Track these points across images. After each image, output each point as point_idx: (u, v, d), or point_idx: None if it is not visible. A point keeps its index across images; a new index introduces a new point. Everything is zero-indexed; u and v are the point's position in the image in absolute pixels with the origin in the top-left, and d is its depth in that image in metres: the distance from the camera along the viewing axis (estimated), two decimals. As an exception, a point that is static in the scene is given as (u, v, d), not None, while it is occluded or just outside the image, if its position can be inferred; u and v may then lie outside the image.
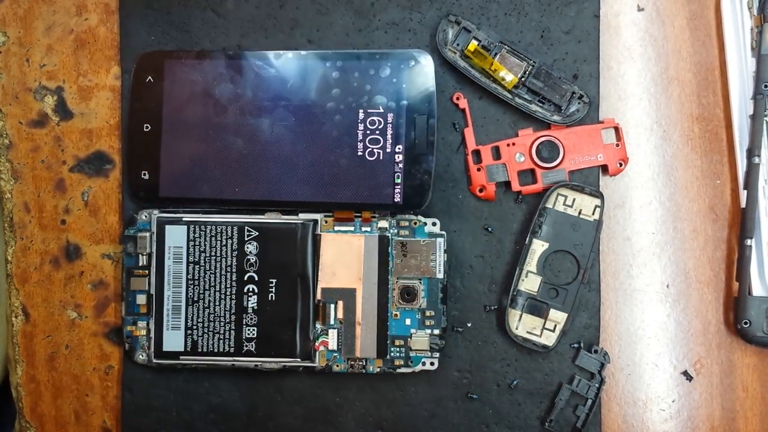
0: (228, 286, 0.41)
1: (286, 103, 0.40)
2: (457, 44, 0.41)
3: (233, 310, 0.41)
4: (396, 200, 0.40)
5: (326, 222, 0.41)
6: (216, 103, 0.40)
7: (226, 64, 0.40)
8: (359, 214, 0.41)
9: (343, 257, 0.40)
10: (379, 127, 0.40)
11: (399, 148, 0.40)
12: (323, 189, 0.40)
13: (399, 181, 0.40)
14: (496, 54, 0.41)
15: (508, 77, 0.40)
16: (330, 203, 0.40)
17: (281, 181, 0.40)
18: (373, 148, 0.40)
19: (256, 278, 0.40)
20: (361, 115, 0.40)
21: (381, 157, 0.40)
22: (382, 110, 0.40)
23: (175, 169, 0.41)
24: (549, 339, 0.41)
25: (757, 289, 0.41)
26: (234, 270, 0.41)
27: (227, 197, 0.41)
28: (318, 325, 0.41)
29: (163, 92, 0.41)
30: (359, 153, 0.40)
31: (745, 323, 0.41)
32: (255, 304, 0.40)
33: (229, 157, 0.40)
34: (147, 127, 0.41)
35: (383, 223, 0.41)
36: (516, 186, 0.42)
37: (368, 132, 0.40)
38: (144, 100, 0.41)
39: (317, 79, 0.40)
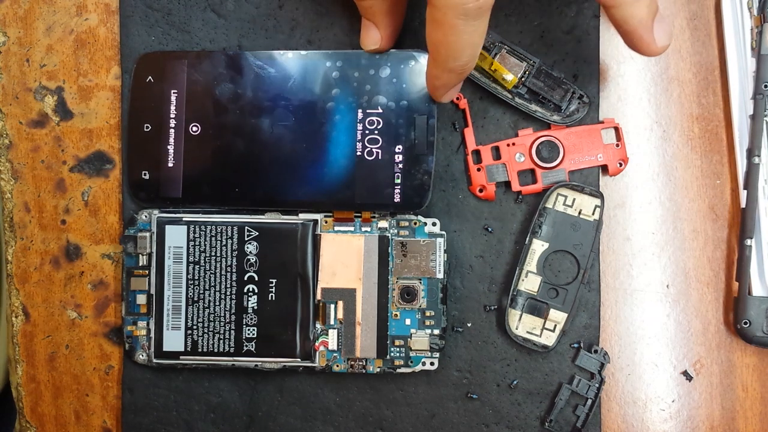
0: (228, 286, 0.41)
1: (285, 103, 0.40)
2: (457, 44, 0.41)
3: (233, 310, 0.41)
4: (396, 200, 0.40)
5: (326, 222, 0.41)
6: (216, 103, 0.40)
7: (226, 64, 0.40)
8: (359, 214, 0.41)
9: (343, 257, 0.40)
10: (378, 127, 0.40)
11: (399, 149, 0.40)
12: (323, 189, 0.40)
13: (399, 181, 0.40)
14: (496, 54, 0.41)
15: (508, 77, 0.40)
16: (329, 203, 0.40)
17: (281, 181, 0.40)
18: (372, 148, 0.40)
19: (256, 278, 0.40)
20: (361, 115, 0.40)
21: (380, 158, 0.40)
22: (381, 110, 0.40)
23: (175, 169, 0.41)
24: (549, 339, 0.41)
25: (757, 289, 0.41)
26: (234, 270, 0.41)
27: (227, 197, 0.41)
28: (318, 325, 0.41)
29: (163, 92, 0.41)
30: (358, 153, 0.40)
31: (745, 323, 0.41)
32: (255, 304, 0.40)
33: (229, 157, 0.40)
34: (147, 127, 0.41)
35: (383, 223, 0.41)
36: (516, 186, 0.42)
37: (367, 132, 0.40)
38: (144, 100, 0.41)
39: (317, 79, 0.40)
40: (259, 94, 0.40)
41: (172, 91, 0.41)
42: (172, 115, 0.41)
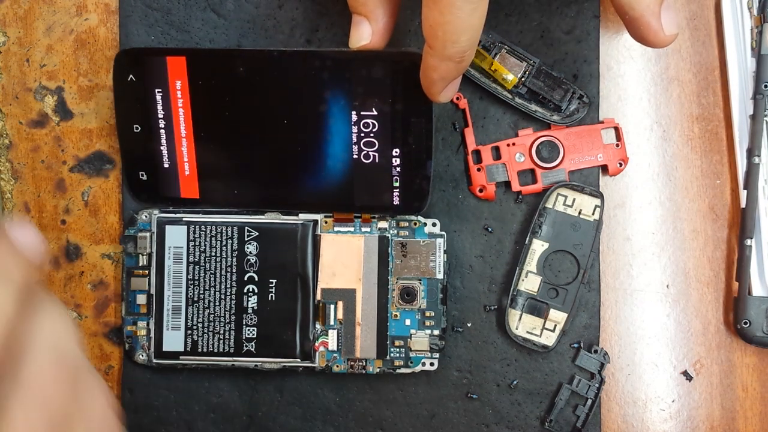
0: (228, 286, 0.41)
1: (278, 104, 0.39)
2: (457, 44, 0.41)
3: (233, 311, 0.41)
4: (395, 204, 0.40)
5: (326, 222, 0.41)
6: (205, 103, 0.39)
7: (211, 61, 0.39)
8: (359, 215, 0.41)
9: (343, 258, 0.40)
10: (374, 130, 0.39)
11: (396, 152, 0.39)
12: (321, 191, 0.40)
13: (397, 185, 0.39)
14: (496, 54, 0.41)
15: (508, 77, 0.40)
16: (328, 205, 0.40)
17: (278, 183, 0.40)
18: (369, 152, 0.39)
19: (256, 278, 0.40)
20: (355, 118, 0.39)
21: (377, 161, 0.39)
22: (378, 113, 0.39)
23: (172, 170, 0.40)
24: (549, 339, 0.41)
25: (757, 289, 0.41)
26: (234, 270, 0.40)
27: (228, 197, 0.40)
28: (318, 326, 0.41)
29: (146, 92, 0.39)
30: (354, 156, 0.39)
31: (745, 323, 0.41)
32: (255, 304, 0.40)
33: (224, 157, 0.40)
34: (137, 128, 0.40)
35: (383, 224, 0.41)
36: (516, 186, 0.42)
37: (362, 135, 0.39)
38: (128, 101, 0.40)
39: (312, 80, 0.38)
40: (248, 94, 0.39)
41: (156, 90, 0.39)
42: (160, 116, 0.39)
